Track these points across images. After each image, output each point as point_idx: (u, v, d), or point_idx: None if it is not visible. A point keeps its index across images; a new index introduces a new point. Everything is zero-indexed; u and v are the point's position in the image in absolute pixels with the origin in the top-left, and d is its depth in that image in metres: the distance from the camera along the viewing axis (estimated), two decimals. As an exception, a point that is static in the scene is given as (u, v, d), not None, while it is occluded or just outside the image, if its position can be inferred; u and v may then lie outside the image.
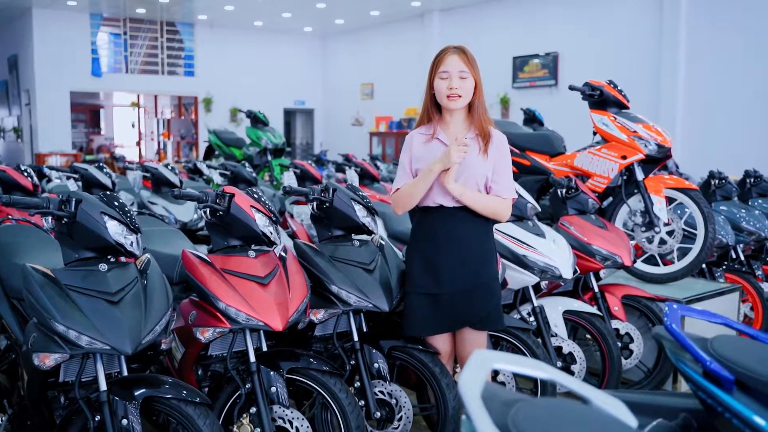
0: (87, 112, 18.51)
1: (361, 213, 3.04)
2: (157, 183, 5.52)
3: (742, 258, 5.10)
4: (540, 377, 1.14)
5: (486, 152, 2.76)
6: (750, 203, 5.48)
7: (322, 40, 18.20)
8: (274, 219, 2.83)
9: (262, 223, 2.74)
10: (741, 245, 5.15)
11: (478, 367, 1.11)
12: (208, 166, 7.38)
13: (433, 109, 2.85)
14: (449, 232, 2.78)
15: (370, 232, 3.12)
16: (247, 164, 6.28)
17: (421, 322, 2.84)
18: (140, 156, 16.44)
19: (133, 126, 17.28)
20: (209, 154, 9.99)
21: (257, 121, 8.97)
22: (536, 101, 11.31)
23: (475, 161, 2.76)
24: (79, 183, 5.25)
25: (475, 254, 2.81)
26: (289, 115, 18.48)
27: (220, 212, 2.70)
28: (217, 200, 2.70)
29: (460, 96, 2.73)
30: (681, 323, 1.48)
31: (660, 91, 10.86)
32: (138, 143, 16.86)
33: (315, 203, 3.02)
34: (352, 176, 6.61)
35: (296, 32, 17.43)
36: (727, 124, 10.10)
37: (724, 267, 4.99)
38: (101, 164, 5.39)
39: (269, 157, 8.72)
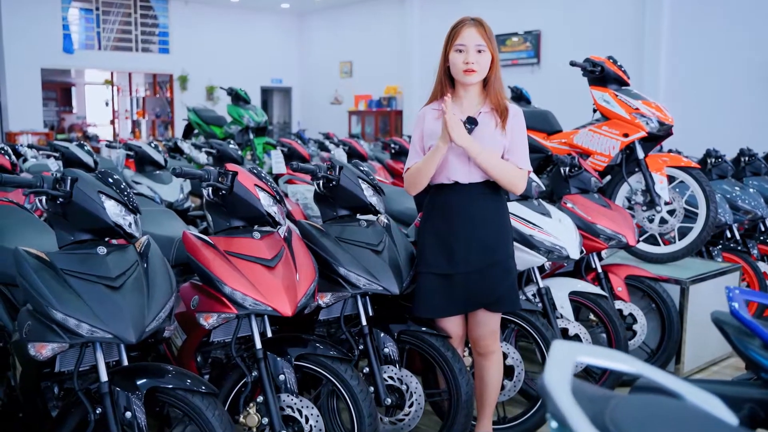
0: (58, 90, 17.99)
1: (368, 192, 2.91)
2: (141, 162, 5.33)
3: (738, 237, 5.07)
4: (628, 371, 1.04)
5: (504, 127, 2.65)
6: (744, 182, 5.44)
7: (299, 17, 17.87)
8: (278, 198, 2.69)
9: (266, 202, 2.61)
10: (736, 224, 5.12)
11: (562, 361, 0.99)
12: (194, 145, 7.16)
13: (447, 83, 2.72)
14: (464, 210, 2.68)
15: (376, 212, 2.99)
16: (232, 142, 6.11)
17: (433, 304, 2.74)
18: (114, 135, 16.04)
19: (107, 104, 16.84)
20: (188, 132, 9.74)
21: (238, 98, 8.74)
22: (518, 80, 11.18)
23: (492, 136, 2.65)
24: (60, 162, 5.04)
25: (490, 232, 2.70)
26: (267, 93, 18.17)
27: (223, 191, 2.55)
28: (220, 179, 2.55)
29: (475, 70, 2.61)
30: (746, 307, 1.39)
31: (643, 70, 10.81)
32: (112, 122, 16.44)
33: (321, 182, 2.88)
34: (340, 155, 6.47)
35: (273, 9, 17.08)
36: (712, 102, 10.08)
37: (720, 246, 4.95)
38: (82, 142, 5.17)
39: (251, 136, 8.52)
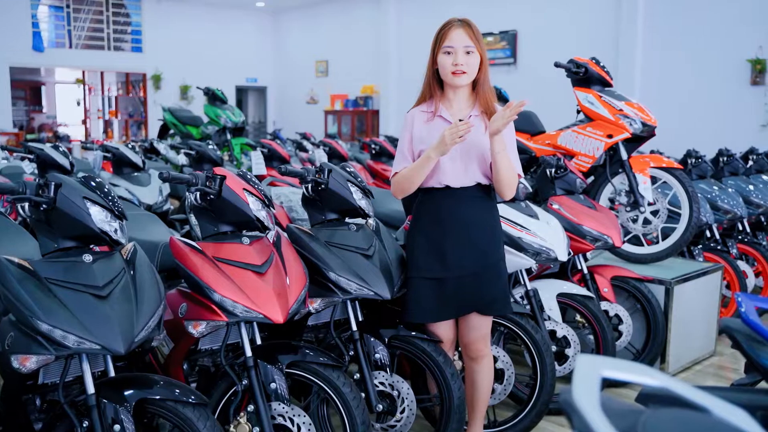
0: (27, 89, 17.67)
1: (357, 195, 2.86)
2: (118, 164, 5.22)
3: (718, 237, 5.11)
4: (652, 385, 1.01)
5: None
6: (723, 182, 5.50)
7: (274, 15, 17.73)
8: (266, 202, 2.64)
9: (255, 207, 2.55)
10: (716, 224, 5.16)
11: (588, 376, 0.96)
12: (172, 147, 7.05)
13: (436, 85, 2.69)
14: (456, 213, 2.65)
15: (365, 216, 2.95)
16: (211, 143, 6.02)
17: (426, 309, 2.71)
18: (86, 135, 15.77)
19: (78, 104, 16.55)
20: (164, 132, 9.59)
21: (215, 98, 8.63)
22: (495, 80, 11.16)
23: (482, 139, 2.62)
24: (34, 164, 4.91)
25: (482, 235, 2.68)
26: (241, 92, 18.00)
27: (211, 196, 2.49)
28: (208, 183, 2.50)
29: (465, 72, 2.58)
30: (756, 314, 1.37)
31: (618, 69, 10.85)
32: (84, 122, 16.16)
33: (310, 185, 2.83)
34: (321, 155, 6.40)
35: (248, 7, 16.93)
36: (688, 102, 10.10)
37: (701, 246, 4.99)
38: (57, 144, 5.04)
39: (228, 136, 8.41)
